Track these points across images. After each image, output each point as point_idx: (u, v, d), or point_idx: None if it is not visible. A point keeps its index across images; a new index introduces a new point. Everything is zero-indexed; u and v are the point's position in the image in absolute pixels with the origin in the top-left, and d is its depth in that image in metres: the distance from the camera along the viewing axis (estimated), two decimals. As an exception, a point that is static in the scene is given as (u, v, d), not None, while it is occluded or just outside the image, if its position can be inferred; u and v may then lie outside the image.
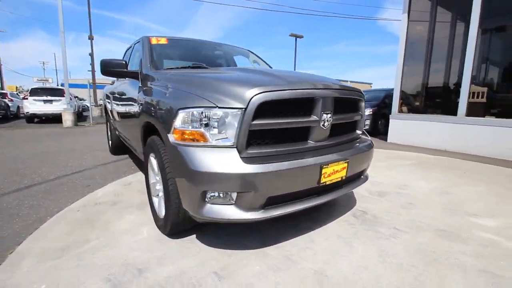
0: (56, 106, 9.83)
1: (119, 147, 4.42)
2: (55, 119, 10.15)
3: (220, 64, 3.02)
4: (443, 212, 2.30)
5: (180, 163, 1.45)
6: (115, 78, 3.99)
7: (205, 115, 1.42)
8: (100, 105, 14.78)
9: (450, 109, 4.79)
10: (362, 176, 2.10)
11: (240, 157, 1.40)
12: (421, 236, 1.90)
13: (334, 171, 1.67)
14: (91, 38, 24.11)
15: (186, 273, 1.50)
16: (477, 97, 4.64)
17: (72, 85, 11.82)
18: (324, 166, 1.59)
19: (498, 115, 4.51)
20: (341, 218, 2.17)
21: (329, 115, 1.68)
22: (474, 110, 4.56)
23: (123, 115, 2.74)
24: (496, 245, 1.77)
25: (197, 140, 1.44)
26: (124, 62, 2.31)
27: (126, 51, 3.54)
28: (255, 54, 3.32)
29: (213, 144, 1.43)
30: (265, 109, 1.44)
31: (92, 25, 15.17)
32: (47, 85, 18.31)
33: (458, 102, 4.57)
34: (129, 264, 1.57)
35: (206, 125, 1.43)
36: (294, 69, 23.52)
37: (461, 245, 1.77)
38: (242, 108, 1.39)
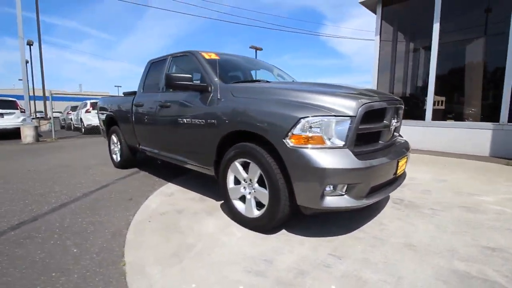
0: (9, 120, 8.60)
1: (129, 161, 4.28)
2: (7, 135, 8.87)
3: (250, 77, 3.30)
4: (453, 194, 2.93)
5: (302, 163, 1.71)
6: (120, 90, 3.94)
7: (324, 122, 1.73)
8: (50, 118, 13.24)
9: (418, 115, 5.80)
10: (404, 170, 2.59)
11: (354, 155, 1.73)
12: (452, 212, 2.45)
13: (402, 164, 2.11)
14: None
15: (308, 257, 1.75)
16: (438, 104, 5.74)
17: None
18: (399, 160, 2.02)
19: (454, 119, 5.65)
20: (388, 205, 2.62)
21: (394, 120, 2.13)
22: (437, 115, 5.63)
23: (174, 126, 2.80)
24: (505, 213, 2.41)
25: (316, 143, 1.73)
26: (190, 76, 2.46)
27: (151, 64, 3.55)
28: (279, 68, 3.68)
29: (329, 145, 1.74)
30: (365, 116, 1.81)
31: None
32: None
33: (425, 109, 5.59)
34: (253, 257, 1.75)
35: (324, 130, 1.73)
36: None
37: (483, 215, 2.36)
38: (353, 116, 1.74)
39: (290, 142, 1.77)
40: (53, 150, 6.72)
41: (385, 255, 1.76)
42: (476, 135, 4.96)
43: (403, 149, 2.27)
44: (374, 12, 6.41)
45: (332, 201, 1.75)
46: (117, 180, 3.71)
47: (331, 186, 1.73)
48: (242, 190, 2.20)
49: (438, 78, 5.51)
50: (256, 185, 2.07)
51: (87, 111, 10.94)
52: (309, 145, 1.73)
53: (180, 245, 1.93)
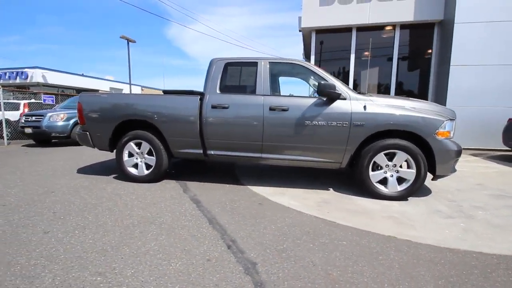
0: None
1: (165, 172, 3.64)
2: None
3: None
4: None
5: (445, 149, 2.84)
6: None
7: (450, 122, 2.92)
8: None
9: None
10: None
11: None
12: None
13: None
14: None
15: (450, 205, 2.90)
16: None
17: None
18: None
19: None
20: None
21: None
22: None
23: (298, 128, 3.04)
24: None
25: (447, 136, 2.90)
26: (335, 85, 2.94)
27: (227, 65, 3.34)
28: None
29: (450, 137, 2.96)
30: (452, 121, 3.16)
31: None
32: None
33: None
34: (434, 213, 2.69)
35: (450, 127, 2.93)
36: (129, 76, 21.68)
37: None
38: (454, 119, 3.04)
39: (437, 136, 2.84)
40: None
41: (471, 198, 3.21)
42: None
43: None
44: (308, 38, 8.22)
45: (453, 170, 2.99)
46: (187, 192, 3.20)
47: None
48: (384, 174, 3.02)
49: (354, 88, 8.02)
50: (400, 168, 2.97)
51: None
52: (446, 137, 2.89)
53: (399, 222, 2.53)
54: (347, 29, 7.84)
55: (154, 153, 3.53)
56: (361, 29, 7.78)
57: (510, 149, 5.78)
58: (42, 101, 8.90)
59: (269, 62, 3.31)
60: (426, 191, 3.37)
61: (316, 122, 3.05)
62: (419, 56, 7.76)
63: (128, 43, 23.07)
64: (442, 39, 7.21)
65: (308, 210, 2.71)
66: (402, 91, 7.98)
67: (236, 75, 3.42)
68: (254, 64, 3.33)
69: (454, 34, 6.43)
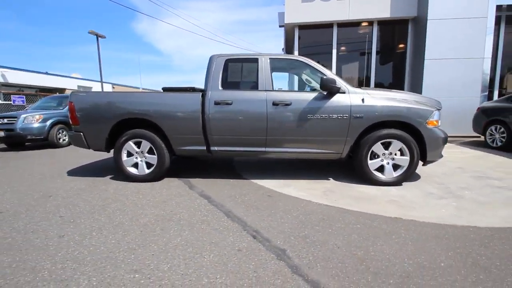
0: None
1: (166, 170, 3.60)
2: None
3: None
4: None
5: (435, 136, 3.11)
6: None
7: (438, 112, 3.19)
8: None
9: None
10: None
11: (442, 130, 3.34)
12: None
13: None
14: None
15: (441, 187, 3.19)
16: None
17: None
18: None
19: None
20: (399, 161, 4.50)
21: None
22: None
23: (303, 122, 3.15)
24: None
25: (436, 124, 3.17)
26: (335, 80, 3.08)
27: (228, 62, 3.35)
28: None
29: (438, 125, 3.24)
30: (437, 111, 3.45)
31: None
32: None
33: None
34: (427, 195, 2.95)
35: (438, 116, 3.20)
36: (100, 73, 20.68)
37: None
38: (440, 109, 3.33)
39: (427, 125, 3.10)
40: None
41: (456, 180, 3.54)
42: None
43: None
44: (291, 34, 8.36)
45: (440, 156, 3.29)
46: (194, 189, 3.21)
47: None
48: (380, 162, 3.24)
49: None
50: (395, 156, 3.21)
51: None
52: (435, 126, 3.16)
53: (400, 205, 2.74)
54: (328, 25, 8.09)
55: (155, 152, 3.48)
56: (342, 25, 8.07)
57: (479, 135, 6.38)
58: (12, 102, 8.23)
59: (269, 58, 3.38)
60: (416, 177, 3.66)
61: (318, 115, 3.18)
62: (395, 50, 8.23)
63: (97, 38, 21.81)
64: (416, 35, 7.70)
65: (316, 199, 2.85)
66: (380, 84, 8.42)
67: (237, 72, 3.46)
68: (255, 60, 3.38)
69: (427, 30, 6.91)
